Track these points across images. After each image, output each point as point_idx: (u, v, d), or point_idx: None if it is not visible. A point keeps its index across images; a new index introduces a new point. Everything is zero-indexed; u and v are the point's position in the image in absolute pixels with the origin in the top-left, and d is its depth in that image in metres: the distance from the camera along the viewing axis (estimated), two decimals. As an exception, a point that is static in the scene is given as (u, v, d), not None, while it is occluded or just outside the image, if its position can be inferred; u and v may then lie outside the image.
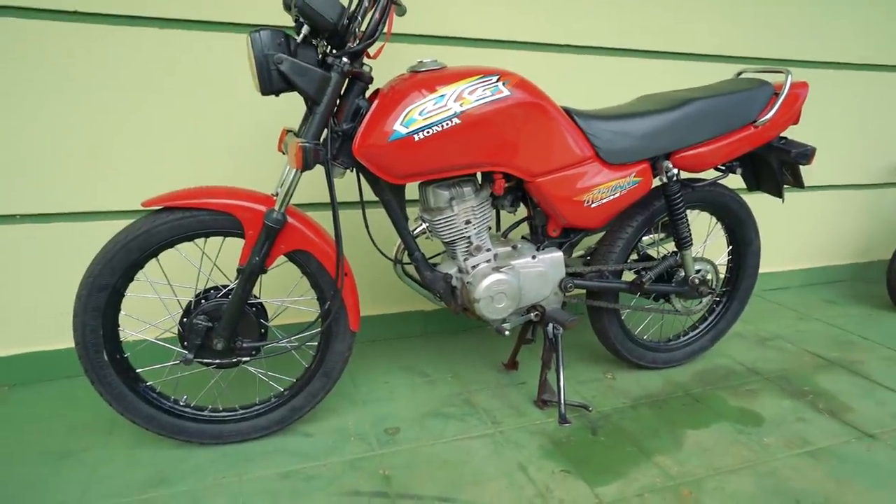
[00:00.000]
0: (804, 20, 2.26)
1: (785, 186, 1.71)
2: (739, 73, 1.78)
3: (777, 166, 1.68)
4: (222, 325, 1.30)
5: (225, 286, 1.34)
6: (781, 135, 1.65)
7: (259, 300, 1.37)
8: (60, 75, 1.51)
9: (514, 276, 1.46)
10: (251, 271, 1.27)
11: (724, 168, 1.68)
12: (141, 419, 1.32)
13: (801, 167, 1.65)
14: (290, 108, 1.73)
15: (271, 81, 1.17)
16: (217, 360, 1.34)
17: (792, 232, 2.59)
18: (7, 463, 1.33)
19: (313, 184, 1.81)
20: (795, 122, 1.63)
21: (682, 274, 1.70)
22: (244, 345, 1.34)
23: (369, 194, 1.85)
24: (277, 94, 1.21)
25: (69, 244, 1.63)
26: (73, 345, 1.71)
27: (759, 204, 2.43)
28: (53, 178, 1.58)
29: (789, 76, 1.58)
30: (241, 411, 1.42)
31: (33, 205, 1.58)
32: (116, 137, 1.60)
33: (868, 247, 2.76)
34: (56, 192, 1.59)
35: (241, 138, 1.71)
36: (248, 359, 1.36)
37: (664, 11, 2.05)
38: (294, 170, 1.24)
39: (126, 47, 1.54)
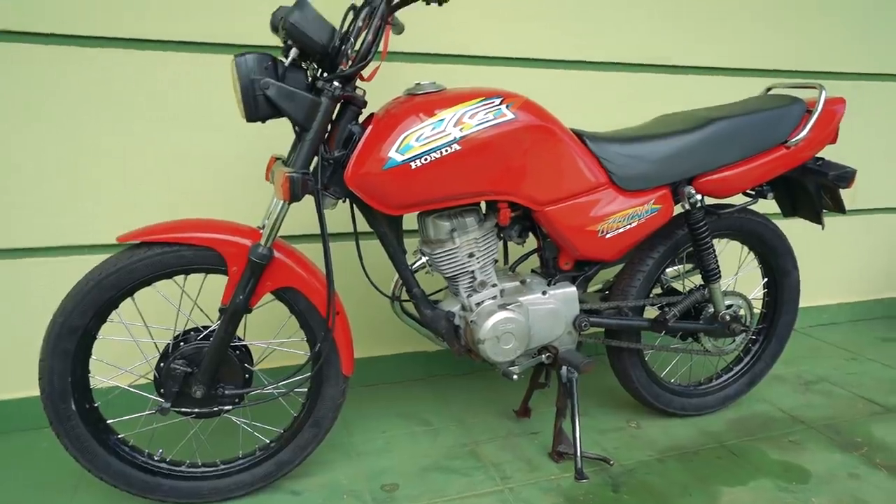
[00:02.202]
0: (840, 28, 2.32)
1: (825, 211, 1.74)
2: (768, 90, 1.83)
3: (814, 190, 1.71)
4: (203, 369, 1.33)
5: (206, 327, 1.38)
6: (818, 155, 1.69)
7: (243, 342, 1.40)
8: (30, 101, 1.59)
9: (523, 313, 1.49)
10: (235, 311, 1.31)
11: (753, 193, 1.71)
12: (110, 476, 1.34)
13: (840, 190, 1.68)
14: (279, 134, 1.79)
15: (257, 108, 1.23)
16: (196, 409, 1.36)
17: (838, 261, 2.60)
18: (-37, 525, 1.36)
19: (303, 214, 1.85)
20: (833, 142, 1.67)
21: (712, 310, 1.71)
22: (227, 392, 1.37)
23: (364, 225, 1.89)
24: (264, 121, 1.26)
25: (38, 282, 1.68)
26: (38, 392, 1.74)
27: (797, 231, 2.45)
28: (22, 210, 1.63)
29: (823, 92, 1.62)
30: (223, 466, 1.43)
31: (0, 239, 1.63)
32: (90, 166, 1.66)
33: (927, 277, 2.76)
34: (24, 225, 1.64)
35: (226, 167, 1.77)
36: (230, 407, 1.38)
37: (684, 22, 2.11)
38: (282, 201, 1.28)
39: (100, 70, 1.62)
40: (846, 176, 1.63)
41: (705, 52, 2.16)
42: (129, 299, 1.33)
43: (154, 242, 1.28)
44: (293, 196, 1.24)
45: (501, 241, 1.60)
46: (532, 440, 1.71)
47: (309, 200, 1.82)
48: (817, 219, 1.74)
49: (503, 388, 2.02)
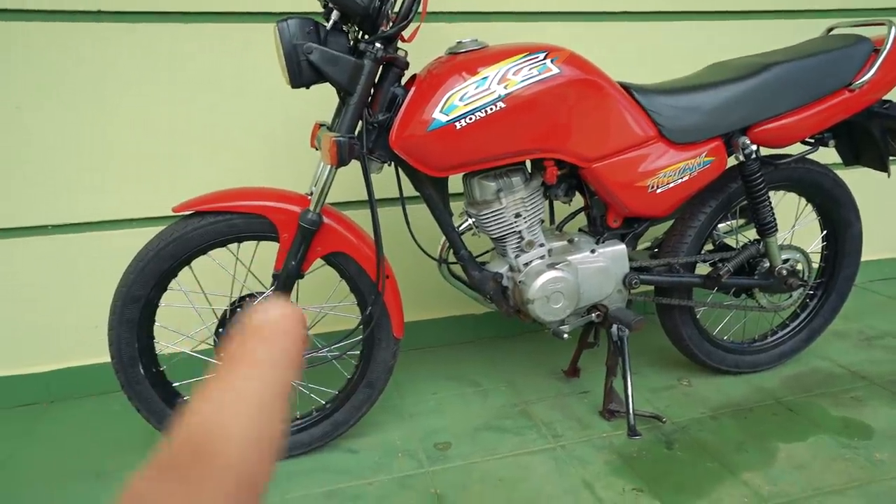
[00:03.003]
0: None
1: (891, 158, 1.64)
2: (830, 30, 1.72)
3: (880, 135, 1.61)
4: (259, 334, 1.36)
5: (261, 293, 1.41)
6: (885, 98, 1.59)
7: (296, 307, 1.42)
8: (87, 80, 1.62)
9: (572, 272, 1.47)
10: (287, 276, 1.34)
11: (813, 141, 1.63)
12: (179, 435, 1.41)
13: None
14: (323, 99, 1.79)
15: (301, 73, 1.23)
16: (255, 372, 1.40)
17: (902, 212, 2.46)
18: (43, 482, 1.45)
19: (349, 181, 1.86)
20: (902, 83, 1.57)
21: (767, 265, 1.65)
22: (282, 355, 1.40)
23: (410, 189, 1.88)
24: (308, 86, 1.26)
25: (102, 253, 1.75)
26: (109, 359, 1.83)
27: (859, 180, 2.32)
28: (83, 186, 1.69)
29: (893, 28, 1.51)
30: (282, 426, 1.48)
31: (64, 215, 1.70)
32: (144, 141, 1.70)
33: None
34: (86, 200, 1.70)
35: (272, 135, 1.78)
36: (286, 370, 1.42)
37: (737, -36, 1.99)
38: (328, 166, 1.29)
39: (148, 46, 1.64)
40: (917, 119, 1.53)
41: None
42: (186, 268, 1.37)
43: (207, 212, 1.31)
44: (340, 160, 1.24)
45: (548, 201, 1.58)
46: (582, 399, 1.70)
47: (353, 168, 1.83)
48: (883, 166, 1.65)
49: (551, 349, 2.01)
